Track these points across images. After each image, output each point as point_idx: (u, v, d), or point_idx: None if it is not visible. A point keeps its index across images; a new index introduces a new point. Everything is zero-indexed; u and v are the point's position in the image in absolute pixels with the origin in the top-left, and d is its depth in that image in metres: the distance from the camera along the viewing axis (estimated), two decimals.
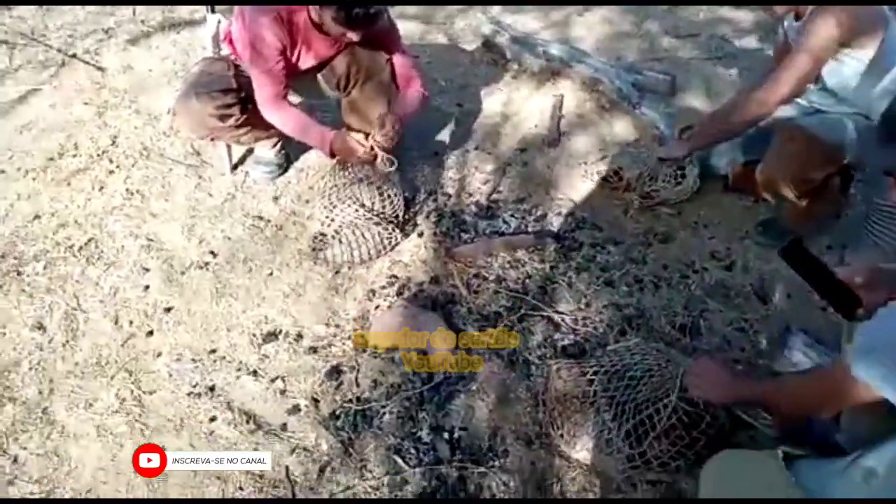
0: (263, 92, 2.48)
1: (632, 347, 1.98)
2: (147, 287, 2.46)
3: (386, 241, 2.55)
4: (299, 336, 2.28)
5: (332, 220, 2.55)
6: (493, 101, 3.41)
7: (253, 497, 1.84)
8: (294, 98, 2.71)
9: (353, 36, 2.31)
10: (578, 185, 2.90)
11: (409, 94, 2.67)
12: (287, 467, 1.91)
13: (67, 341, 2.28)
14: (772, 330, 2.23)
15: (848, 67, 2.20)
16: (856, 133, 2.22)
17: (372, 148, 2.54)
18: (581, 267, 2.48)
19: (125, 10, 4.20)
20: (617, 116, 3.24)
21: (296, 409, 2.06)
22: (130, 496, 1.86)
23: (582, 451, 1.86)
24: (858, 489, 1.30)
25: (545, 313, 2.29)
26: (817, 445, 1.58)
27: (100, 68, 3.68)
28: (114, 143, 3.16)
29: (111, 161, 3.04)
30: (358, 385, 2.10)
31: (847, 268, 1.57)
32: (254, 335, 2.28)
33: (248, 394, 2.11)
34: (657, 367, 1.86)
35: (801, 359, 2.09)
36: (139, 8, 4.21)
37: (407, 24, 3.39)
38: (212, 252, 2.60)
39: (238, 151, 3.00)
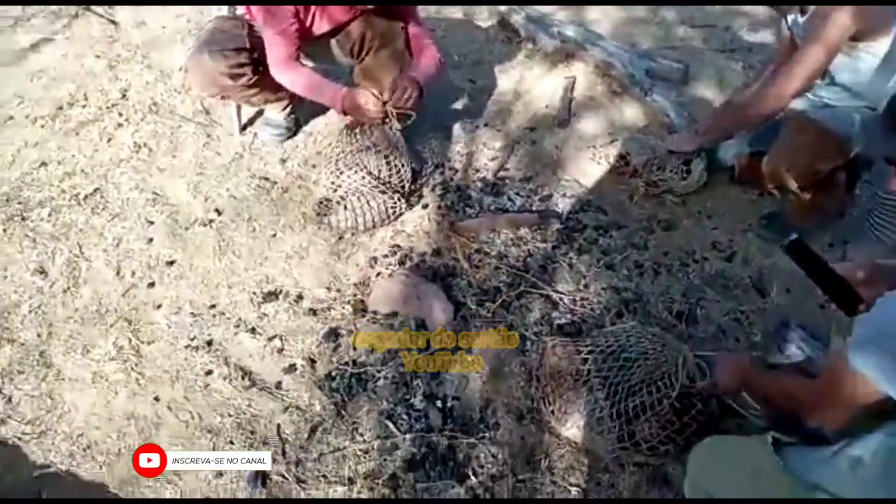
0: (275, 53, 2.48)
1: (628, 330, 1.99)
2: (151, 240, 2.48)
3: (390, 210, 2.55)
4: (299, 297, 2.29)
5: (339, 185, 2.55)
6: (505, 79, 3.39)
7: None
8: (306, 63, 2.70)
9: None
10: (586, 167, 2.90)
11: (425, 59, 2.66)
12: (279, 425, 1.93)
13: (69, 287, 2.30)
14: (768, 323, 2.24)
15: (863, 62, 2.18)
16: (862, 124, 2.22)
17: (384, 107, 2.53)
18: (583, 249, 2.49)
19: None
20: (627, 102, 3.23)
21: (292, 367, 2.08)
22: (121, 443, 1.89)
23: (572, 428, 1.88)
24: (845, 477, 1.32)
25: (544, 292, 2.30)
26: (805, 436, 1.60)
27: (113, 21, 3.66)
28: (124, 96, 3.15)
29: (120, 114, 3.04)
30: (355, 349, 2.12)
31: (848, 264, 1.58)
32: (254, 293, 2.30)
33: (246, 350, 2.13)
34: (652, 350, 1.87)
35: (796, 352, 2.10)
36: None
37: None
38: (216, 210, 2.61)
39: (248, 112, 3.00)
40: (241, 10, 2.66)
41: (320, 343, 2.14)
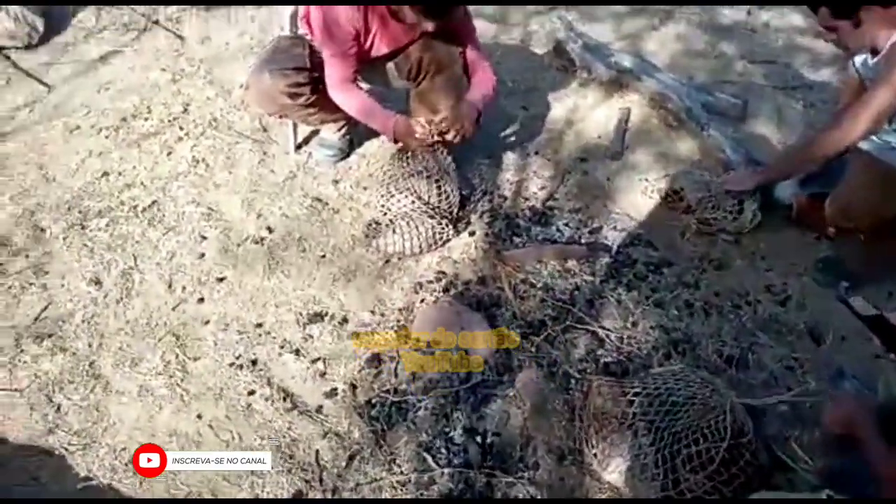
0: (333, 74, 2.51)
1: (676, 373, 1.95)
2: (203, 255, 2.52)
3: (438, 236, 2.55)
4: (344, 320, 2.31)
5: (388, 209, 2.57)
6: (558, 108, 3.38)
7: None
8: (363, 86, 2.73)
9: (428, 25, 2.30)
10: (637, 201, 2.86)
11: (482, 83, 2.66)
12: (317, 451, 1.94)
13: (121, 299, 2.36)
14: (822, 371, 2.16)
15: None
16: None
17: (435, 135, 2.54)
18: (632, 285, 2.44)
19: None
20: (682, 136, 3.17)
21: (333, 392, 2.09)
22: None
23: (614, 472, 1.84)
24: None
25: (590, 328, 2.26)
26: (857, 494, 1.54)
27: (179, 36, 3.78)
28: (185, 110, 3.24)
29: (181, 128, 3.12)
30: (396, 376, 2.12)
31: None
32: (300, 314, 2.32)
33: (289, 372, 2.15)
34: (700, 395, 1.82)
35: None
36: None
37: (480, 24, 3.38)
38: (268, 228, 2.64)
39: (303, 132, 3.05)
40: (302, 30, 2.71)
41: (362, 368, 2.14)
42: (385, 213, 2.58)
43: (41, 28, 3.67)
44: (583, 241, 2.65)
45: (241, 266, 2.49)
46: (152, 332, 2.26)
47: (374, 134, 3.02)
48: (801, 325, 2.33)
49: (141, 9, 3.95)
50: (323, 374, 2.14)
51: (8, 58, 3.55)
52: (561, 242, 2.63)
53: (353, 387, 2.10)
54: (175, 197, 2.76)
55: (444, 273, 2.49)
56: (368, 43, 2.52)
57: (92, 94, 3.35)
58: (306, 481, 1.87)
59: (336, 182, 2.89)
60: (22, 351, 2.19)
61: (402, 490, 1.84)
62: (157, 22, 3.86)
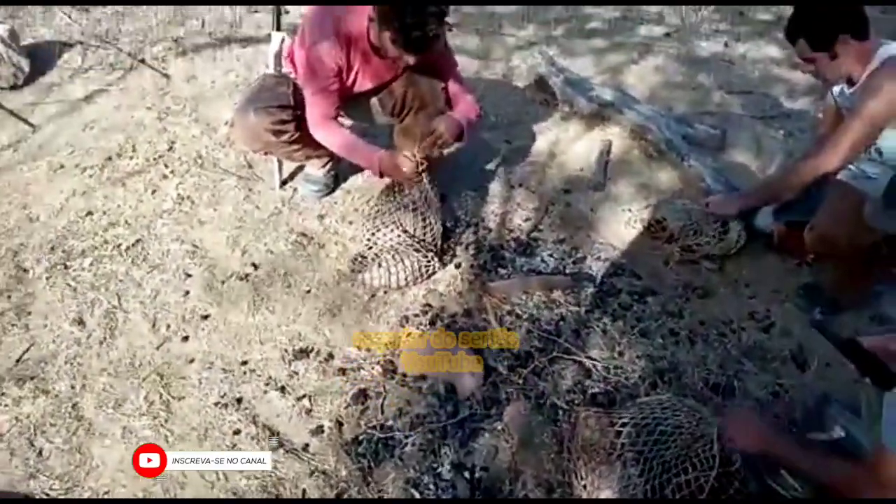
0: (315, 111, 2.54)
1: (663, 402, 1.94)
2: (187, 293, 2.51)
3: (424, 269, 2.56)
4: (330, 356, 2.29)
5: (374, 243, 2.58)
6: (541, 141, 3.42)
7: None
8: (345, 122, 2.76)
9: (409, 59, 2.33)
10: (620, 231, 2.89)
11: (464, 107, 2.68)
12: (304, 490, 1.91)
13: (105, 339, 2.34)
14: (807, 398, 2.17)
15: None
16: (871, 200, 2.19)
17: (420, 164, 2.55)
18: (617, 314, 2.45)
19: (195, 21, 4.35)
20: (663, 166, 3.22)
21: (319, 429, 2.07)
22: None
23: None
24: None
25: (577, 358, 2.26)
26: None
27: (165, 75, 3.81)
28: (171, 148, 3.25)
29: (166, 166, 3.13)
30: (383, 412, 2.10)
31: (879, 338, 1.55)
32: (286, 351, 2.31)
33: (274, 410, 2.13)
34: (688, 424, 1.82)
35: (837, 431, 2.02)
36: (208, 21, 4.36)
37: (463, 59, 3.44)
38: (254, 264, 2.64)
39: (288, 168, 3.07)
40: (286, 68, 2.74)
41: (349, 405, 2.13)
42: (371, 248, 2.59)
43: (27, 68, 3.70)
44: (567, 271, 2.66)
45: (225, 303, 2.48)
46: (136, 372, 2.23)
47: (360, 169, 3.04)
48: (785, 352, 2.35)
49: (127, 48, 4.00)
50: (309, 412, 2.12)
51: None
52: (546, 273, 2.65)
53: (340, 424, 2.08)
54: (159, 235, 2.76)
55: (430, 306, 2.49)
56: (351, 79, 2.55)
57: (77, 133, 3.36)
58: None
59: (321, 217, 2.89)
60: (3, 394, 2.16)
61: None
62: (143, 61, 3.90)
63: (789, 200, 2.51)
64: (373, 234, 2.59)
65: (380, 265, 2.53)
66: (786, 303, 2.55)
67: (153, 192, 2.98)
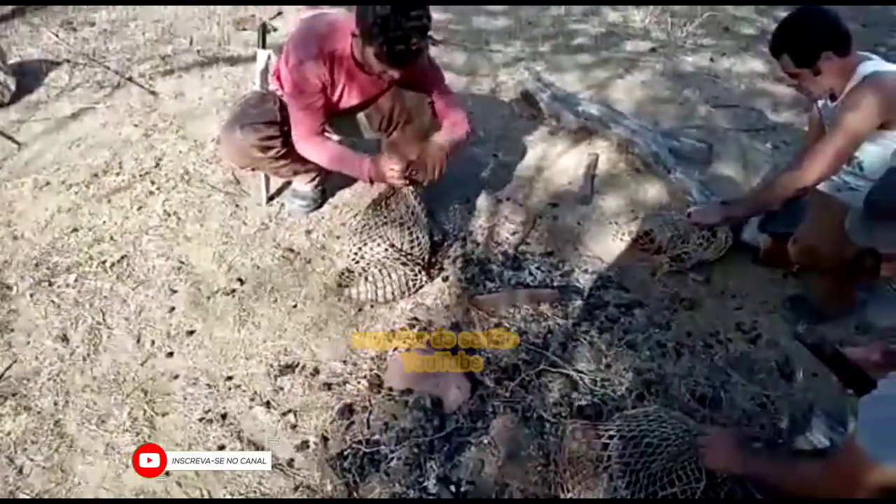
0: (300, 128, 2.54)
1: (650, 414, 1.94)
2: (173, 308, 2.50)
3: (411, 283, 2.56)
4: (316, 371, 2.28)
5: (361, 257, 2.57)
6: (529, 155, 3.44)
7: None
8: (333, 137, 2.77)
9: (394, 73, 2.33)
10: (607, 244, 2.90)
11: (454, 125, 2.69)
12: None
13: (88, 355, 2.32)
14: (794, 409, 2.17)
15: (891, 150, 2.19)
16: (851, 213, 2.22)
17: (407, 168, 2.56)
18: (604, 327, 2.45)
19: (183, 40, 4.37)
20: (650, 180, 3.24)
21: (304, 445, 2.05)
22: None
23: None
24: None
25: (564, 371, 2.26)
26: None
27: (153, 92, 3.81)
28: (157, 165, 3.25)
29: (153, 182, 3.12)
30: (369, 427, 2.08)
31: (861, 348, 1.57)
32: (271, 366, 2.29)
33: (259, 425, 2.11)
34: (675, 436, 1.82)
35: (823, 441, 2.02)
36: (196, 39, 4.38)
37: (450, 76, 3.46)
38: (240, 279, 2.63)
39: (276, 183, 3.07)
40: (273, 85, 2.75)
41: (334, 420, 2.11)
42: (358, 262, 2.58)
43: (13, 87, 3.70)
44: (555, 284, 2.67)
45: (211, 318, 2.46)
46: (120, 388, 2.21)
47: (348, 184, 3.05)
48: (771, 363, 2.36)
49: (114, 66, 4.00)
50: (294, 427, 2.10)
51: None
52: (533, 286, 2.65)
53: (325, 439, 2.06)
54: (145, 251, 2.75)
55: (417, 320, 2.48)
56: (336, 96, 2.56)
57: (63, 150, 3.35)
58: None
59: (308, 232, 2.89)
60: None
61: None
62: (130, 79, 3.90)
63: (773, 212, 2.54)
64: (360, 248, 2.58)
65: (367, 279, 2.53)
66: (772, 314, 2.56)
67: (139, 208, 2.97)
